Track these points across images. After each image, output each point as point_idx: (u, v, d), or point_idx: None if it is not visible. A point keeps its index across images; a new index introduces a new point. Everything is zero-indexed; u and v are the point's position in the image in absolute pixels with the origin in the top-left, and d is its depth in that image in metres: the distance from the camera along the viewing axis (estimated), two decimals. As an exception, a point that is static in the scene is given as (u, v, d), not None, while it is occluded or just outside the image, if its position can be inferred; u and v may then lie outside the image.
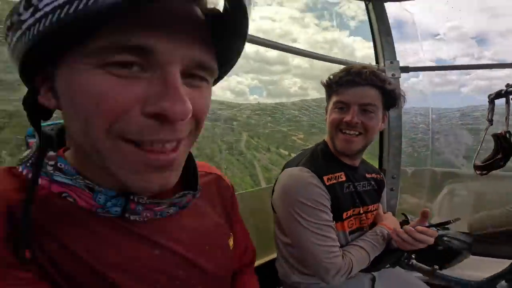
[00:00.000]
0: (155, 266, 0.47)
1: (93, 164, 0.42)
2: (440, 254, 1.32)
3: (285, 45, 1.52)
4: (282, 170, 1.12)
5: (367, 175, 1.22)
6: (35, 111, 0.42)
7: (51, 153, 0.42)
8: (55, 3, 0.30)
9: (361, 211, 1.13)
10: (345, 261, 0.98)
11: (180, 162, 0.43)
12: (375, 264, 1.08)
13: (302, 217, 0.98)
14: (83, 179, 0.42)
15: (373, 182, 1.23)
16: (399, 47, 1.91)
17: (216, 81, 0.48)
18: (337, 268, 0.96)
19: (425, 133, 2.51)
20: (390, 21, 1.90)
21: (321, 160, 1.11)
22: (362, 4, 1.91)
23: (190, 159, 0.57)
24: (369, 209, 1.17)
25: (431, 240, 0.99)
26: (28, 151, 0.44)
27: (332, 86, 1.09)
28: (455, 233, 1.42)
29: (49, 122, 0.49)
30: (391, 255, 1.09)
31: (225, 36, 0.40)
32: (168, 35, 0.34)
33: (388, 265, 1.18)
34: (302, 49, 1.62)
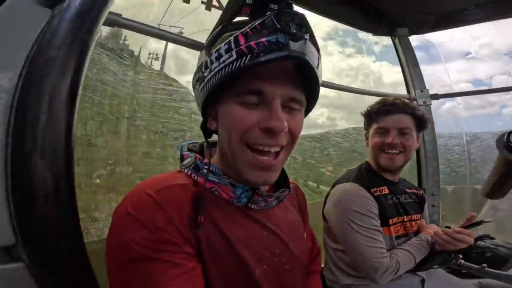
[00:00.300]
0: (264, 243, 0.64)
1: (232, 168, 0.62)
2: (488, 261, 1.36)
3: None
4: (332, 187, 1.31)
5: (408, 190, 1.38)
6: (205, 131, 0.68)
7: (205, 160, 0.65)
8: (219, 67, 0.55)
9: (405, 219, 1.27)
10: (392, 261, 1.10)
11: (278, 167, 0.62)
12: (421, 265, 1.18)
13: (355, 222, 1.13)
14: (228, 178, 0.62)
15: (414, 196, 1.38)
16: (429, 69, 2.05)
17: (307, 112, 0.69)
18: (385, 268, 1.09)
19: (461, 154, 2.57)
20: (416, 43, 2.09)
21: (366, 176, 1.29)
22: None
23: (282, 170, 0.77)
24: (413, 218, 1.30)
25: (470, 240, 1.09)
26: (188, 159, 0.65)
27: (371, 116, 1.31)
28: (502, 242, 1.46)
29: (189, 142, 0.75)
30: (435, 256, 1.18)
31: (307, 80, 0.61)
32: (272, 82, 0.56)
33: (436, 266, 1.26)
34: (331, 82, 1.82)
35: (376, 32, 2.01)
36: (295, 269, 0.70)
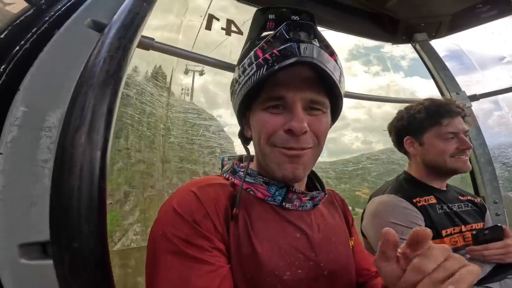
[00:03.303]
0: (296, 245, 0.63)
1: (264, 168, 0.67)
2: None
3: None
4: (368, 201, 1.19)
5: (461, 198, 1.22)
6: (243, 139, 0.74)
7: (242, 164, 0.71)
8: (244, 79, 0.62)
9: (463, 229, 1.11)
10: None
11: (306, 161, 0.63)
12: (495, 275, 1.02)
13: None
14: (262, 177, 0.67)
15: (470, 204, 1.22)
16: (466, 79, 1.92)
17: (334, 117, 0.72)
18: None
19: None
20: (445, 53, 1.99)
21: (406, 186, 1.18)
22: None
23: (317, 177, 0.80)
24: (473, 227, 1.14)
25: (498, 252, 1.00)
26: (227, 166, 0.73)
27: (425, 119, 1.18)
28: None
29: (229, 155, 0.81)
30: (507, 265, 1.02)
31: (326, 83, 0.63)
32: (291, 87, 0.60)
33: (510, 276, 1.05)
34: (352, 92, 1.77)
35: (394, 41, 1.97)
36: (335, 276, 0.66)
